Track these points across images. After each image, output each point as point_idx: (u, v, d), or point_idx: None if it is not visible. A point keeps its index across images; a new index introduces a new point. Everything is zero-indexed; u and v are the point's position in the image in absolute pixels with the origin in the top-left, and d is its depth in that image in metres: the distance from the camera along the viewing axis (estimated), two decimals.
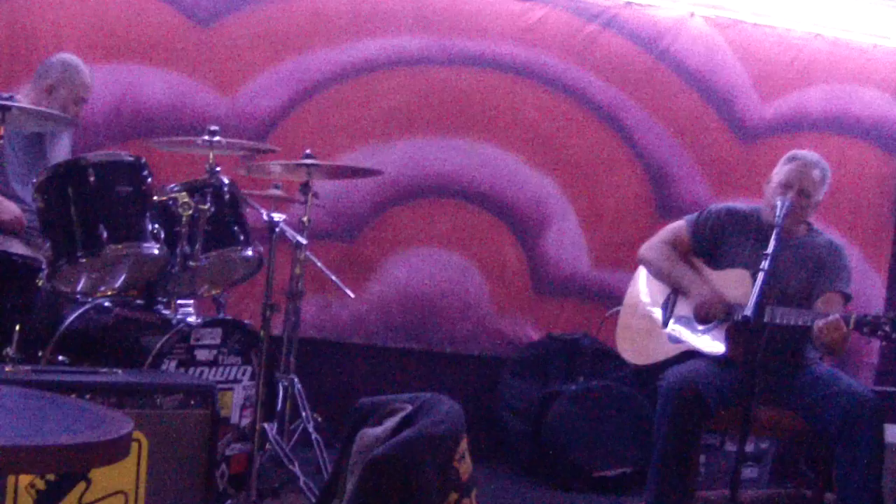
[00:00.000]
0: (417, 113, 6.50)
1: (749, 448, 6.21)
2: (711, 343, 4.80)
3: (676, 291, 5.06)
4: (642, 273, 5.29)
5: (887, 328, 4.32)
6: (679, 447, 4.59)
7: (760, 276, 4.23)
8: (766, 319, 4.39)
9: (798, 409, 4.75)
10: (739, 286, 4.74)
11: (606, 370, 6.34)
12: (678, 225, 5.19)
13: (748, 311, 4.15)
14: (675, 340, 4.96)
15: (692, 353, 4.85)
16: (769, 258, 4.27)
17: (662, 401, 4.63)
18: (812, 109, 6.97)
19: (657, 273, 5.16)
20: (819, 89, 6.99)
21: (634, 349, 5.16)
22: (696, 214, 5.17)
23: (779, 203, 4.64)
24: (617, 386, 6.19)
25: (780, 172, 4.91)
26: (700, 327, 4.89)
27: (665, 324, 5.05)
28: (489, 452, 6.00)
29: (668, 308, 5.07)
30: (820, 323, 4.41)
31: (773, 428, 4.91)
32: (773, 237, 4.42)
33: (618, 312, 5.38)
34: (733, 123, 6.87)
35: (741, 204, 5.19)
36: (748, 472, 6.24)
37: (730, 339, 4.73)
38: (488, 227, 6.61)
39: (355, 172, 5.98)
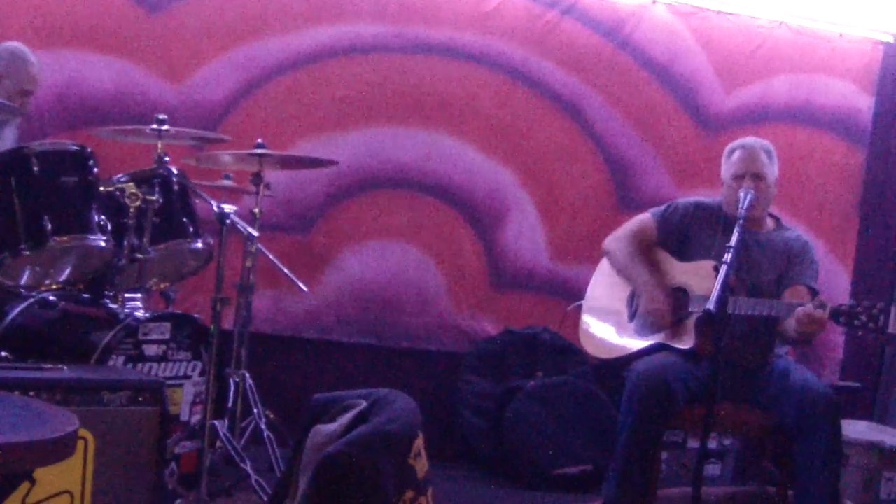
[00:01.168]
0: (373, 102, 6.50)
1: (712, 445, 6.26)
2: (679, 336, 4.82)
3: None
4: (606, 264, 5.32)
5: (864, 317, 4.36)
6: (644, 440, 4.62)
7: (723, 268, 4.23)
8: (731, 311, 4.41)
9: (759, 405, 4.80)
10: (706, 278, 4.77)
11: (566, 366, 6.37)
12: (644, 217, 5.22)
13: (710, 305, 4.15)
14: (642, 333, 4.98)
15: (659, 347, 4.88)
16: (732, 250, 4.29)
17: (629, 392, 4.64)
18: (776, 100, 7.00)
19: (617, 268, 5.20)
20: (784, 79, 7.02)
21: (598, 343, 5.17)
22: (662, 208, 5.20)
23: (742, 195, 4.68)
24: (577, 382, 6.22)
25: (727, 167, 5.00)
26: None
27: (632, 317, 5.08)
28: (446, 450, 6.02)
29: (634, 300, 5.09)
30: (800, 312, 4.47)
31: (736, 425, 4.94)
32: (736, 229, 4.43)
33: (579, 307, 5.39)
34: (696, 114, 6.90)
35: (708, 198, 5.23)
36: (711, 469, 6.30)
37: (699, 332, 4.76)
38: (445, 219, 6.62)
39: (308, 163, 5.97)
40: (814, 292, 4.86)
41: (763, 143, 5.01)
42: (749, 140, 5.03)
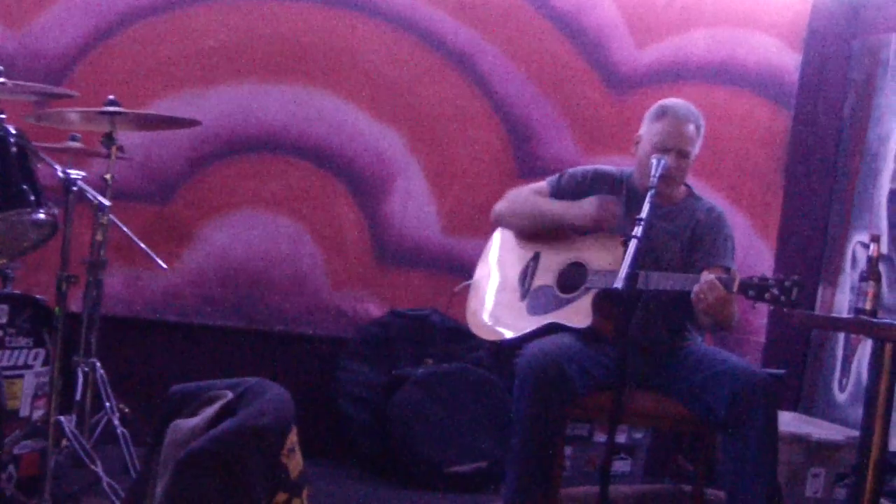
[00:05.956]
0: (242, 54, 6.47)
1: (621, 439, 6.35)
2: (575, 315, 4.87)
3: (537, 258, 5.14)
4: (497, 239, 5.37)
5: (776, 291, 4.39)
6: (541, 433, 4.65)
7: (633, 243, 4.25)
8: (640, 287, 4.45)
9: (677, 394, 4.84)
10: (604, 251, 4.83)
11: (459, 351, 6.41)
12: (539, 185, 5.27)
13: (618, 283, 4.16)
14: (536, 313, 5.02)
15: (554, 328, 4.92)
16: (642, 223, 4.31)
17: (520, 380, 4.66)
18: (694, 56, 7.09)
19: (520, 217, 5.24)
20: (702, 34, 7.11)
21: (487, 324, 5.22)
22: (557, 175, 5.25)
23: (654, 162, 4.68)
24: (472, 369, 6.27)
25: (652, 132, 4.99)
26: (563, 297, 4.97)
27: (524, 295, 5.12)
28: (325, 446, 6.05)
29: (528, 278, 5.13)
30: (696, 287, 4.50)
31: (648, 416, 4.98)
32: (647, 200, 4.46)
33: (468, 286, 5.43)
34: (605, 71, 6.96)
35: (611, 167, 5.27)
36: (620, 465, 6.39)
37: (596, 310, 4.80)
38: (323, 187, 6.62)
39: (168, 122, 5.91)
40: (730, 272, 4.90)
41: (696, 113, 5.01)
42: (682, 107, 5.01)
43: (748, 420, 4.56)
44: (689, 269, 4.87)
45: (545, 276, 5.10)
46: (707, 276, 4.48)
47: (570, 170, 5.26)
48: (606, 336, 4.75)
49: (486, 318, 5.24)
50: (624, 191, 5.07)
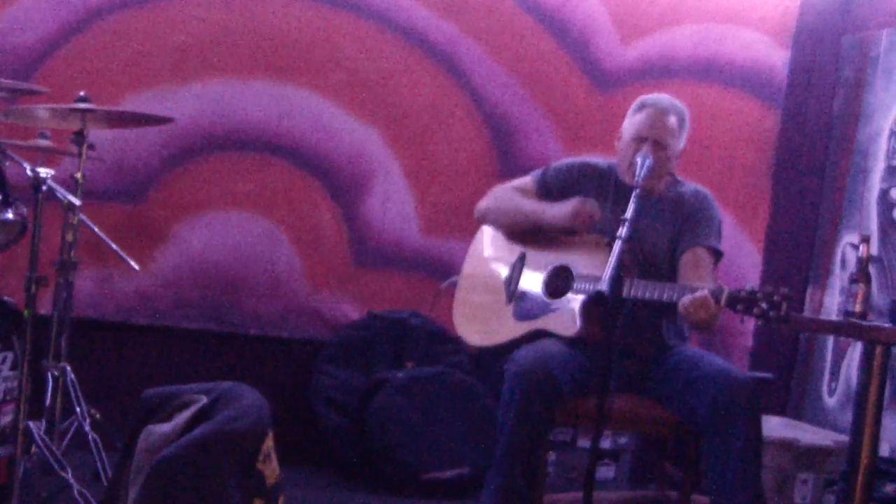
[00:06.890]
0: (217, 50, 6.45)
1: (605, 444, 6.34)
2: (563, 321, 4.85)
3: (522, 260, 5.13)
4: (482, 238, 5.35)
5: (764, 305, 4.37)
6: (528, 439, 4.63)
7: (617, 244, 4.25)
8: (625, 294, 4.43)
9: (661, 398, 4.84)
10: (596, 254, 4.80)
11: (440, 354, 6.41)
12: (523, 180, 5.25)
13: (603, 286, 4.16)
14: (522, 318, 5.00)
15: (542, 333, 4.91)
16: (627, 224, 4.31)
17: (510, 385, 4.65)
18: (680, 53, 7.09)
19: (502, 215, 5.22)
20: (688, 30, 7.11)
21: (475, 328, 5.20)
22: (542, 170, 5.24)
23: (639, 161, 4.67)
24: (452, 373, 6.27)
25: (630, 124, 5.01)
26: (550, 302, 4.95)
27: (510, 299, 5.10)
28: (302, 452, 6.03)
29: (513, 280, 5.12)
30: (686, 300, 4.45)
31: (632, 420, 4.98)
32: (632, 199, 4.45)
33: (454, 284, 5.41)
34: (589, 68, 6.97)
35: (599, 158, 5.26)
36: (604, 471, 6.38)
37: (585, 316, 4.78)
38: (300, 186, 6.61)
39: (141, 120, 5.89)
40: (716, 254, 4.94)
41: (679, 107, 5.01)
42: (664, 100, 5.02)
43: (730, 425, 4.55)
44: (676, 258, 4.91)
45: (531, 280, 5.07)
46: (701, 293, 4.44)
47: (556, 163, 5.25)
48: (596, 342, 4.73)
49: (473, 321, 5.23)
50: (612, 184, 5.06)
